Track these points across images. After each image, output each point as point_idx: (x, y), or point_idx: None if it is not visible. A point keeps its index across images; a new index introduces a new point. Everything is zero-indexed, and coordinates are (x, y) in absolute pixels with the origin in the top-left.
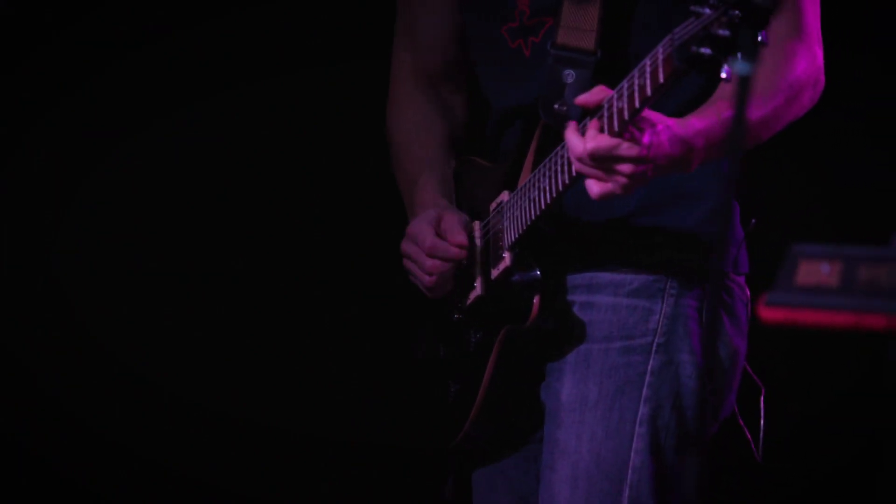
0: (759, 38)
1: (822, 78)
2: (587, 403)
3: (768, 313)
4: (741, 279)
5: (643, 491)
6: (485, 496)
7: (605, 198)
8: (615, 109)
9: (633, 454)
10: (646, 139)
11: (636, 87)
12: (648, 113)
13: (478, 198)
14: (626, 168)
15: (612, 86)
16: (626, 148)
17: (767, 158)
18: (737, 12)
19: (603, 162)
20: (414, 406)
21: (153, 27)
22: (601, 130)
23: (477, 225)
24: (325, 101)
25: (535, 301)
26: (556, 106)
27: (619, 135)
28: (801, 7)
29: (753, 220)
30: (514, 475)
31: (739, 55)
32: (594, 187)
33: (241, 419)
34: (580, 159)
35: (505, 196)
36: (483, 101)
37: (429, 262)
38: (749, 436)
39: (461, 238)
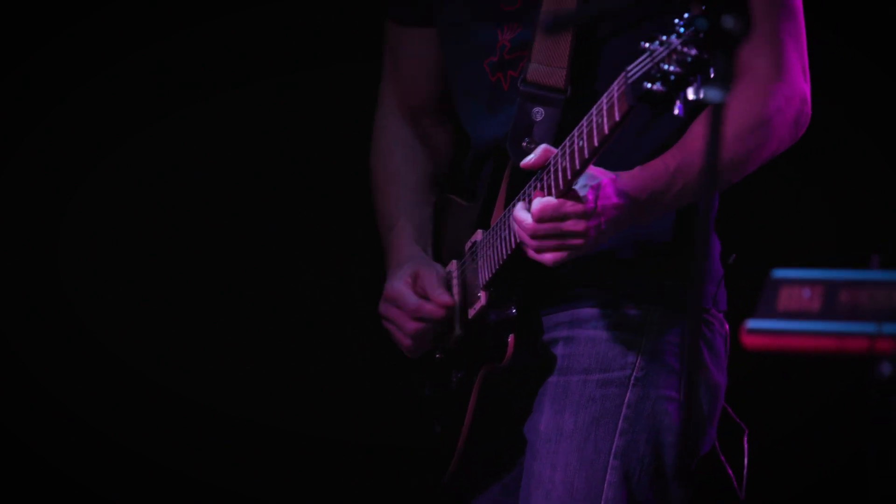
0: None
1: (808, 110)
2: (563, 434)
3: (751, 340)
4: (721, 315)
5: None
6: None
7: (560, 262)
8: (559, 168)
9: (606, 487)
10: (590, 193)
11: (594, 126)
12: (591, 169)
13: (456, 237)
14: (577, 225)
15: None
16: (571, 205)
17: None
18: (686, 49)
19: (551, 222)
20: (403, 445)
21: (153, 27)
22: (544, 191)
23: (454, 265)
24: (325, 102)
25: (509, 340)
26: (524, 143)
27: (564, 194)
28: (781, 43)
29: (734, 255)
30: None
31: (709, 83)
32: (546, 255)
33: (240, 419)
34: (532, 233)
35: (479, 235)
36: (466, 137)
37: (411, 325)
38: (731, 473)
39: (445, 297)
